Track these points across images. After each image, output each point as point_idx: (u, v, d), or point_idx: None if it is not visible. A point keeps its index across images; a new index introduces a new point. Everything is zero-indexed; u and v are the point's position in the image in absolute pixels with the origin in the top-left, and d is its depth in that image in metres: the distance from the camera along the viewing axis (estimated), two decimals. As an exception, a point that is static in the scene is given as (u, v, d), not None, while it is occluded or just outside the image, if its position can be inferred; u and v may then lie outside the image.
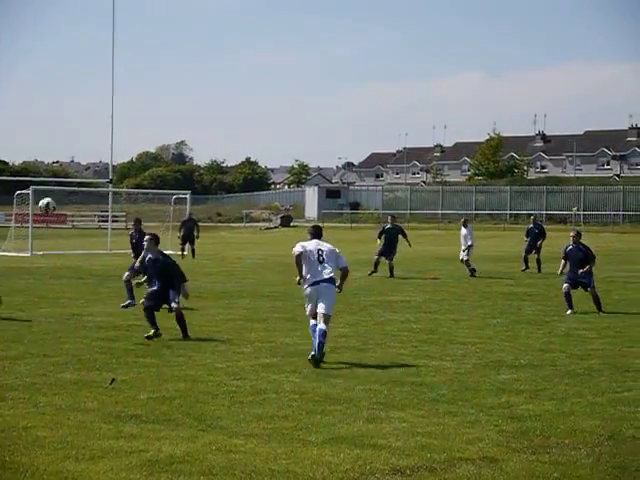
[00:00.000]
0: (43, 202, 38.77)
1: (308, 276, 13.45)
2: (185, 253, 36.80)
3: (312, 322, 13.53)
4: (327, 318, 13.44)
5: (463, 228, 31.00)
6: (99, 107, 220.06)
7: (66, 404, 10.64)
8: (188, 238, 37.34)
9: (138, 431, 9.41)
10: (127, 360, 13.55)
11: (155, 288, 15.78)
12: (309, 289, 13.47)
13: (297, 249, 13.55)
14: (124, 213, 74.44)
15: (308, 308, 13.63)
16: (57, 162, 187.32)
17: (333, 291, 13.60)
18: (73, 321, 17.99)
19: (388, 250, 29.45)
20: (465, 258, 30.19)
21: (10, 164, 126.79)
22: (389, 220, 30.77)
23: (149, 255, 16.05)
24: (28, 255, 40.19)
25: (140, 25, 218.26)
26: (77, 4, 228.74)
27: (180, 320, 15.66)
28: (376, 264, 29.34)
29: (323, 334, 13.16)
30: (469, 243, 30.39)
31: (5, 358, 13.65)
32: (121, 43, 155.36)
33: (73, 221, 79.63)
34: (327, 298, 13.44)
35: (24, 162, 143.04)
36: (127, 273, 19.70)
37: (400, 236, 29.88)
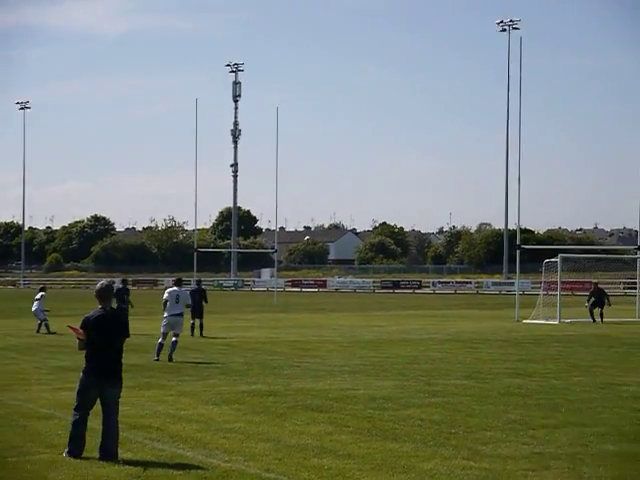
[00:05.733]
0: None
1: None
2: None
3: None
4: None
5: None
6: (623, 172, 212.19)
7: (612, 475, 10.61)
8: None
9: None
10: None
11: None
12: None
13: None
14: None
15: None
16: (580, 229, 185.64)
17: None
18: (608, 390, 17.81)
19: None
20: None
21: (535, 232, 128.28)
22: None
23: None
24: (556, 323, 40.70)
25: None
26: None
27: None
28: None
29: None
30: None
31: (544, 426, 13.66)
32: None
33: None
34: None
35: (548, 230, 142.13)
36: None
37: None
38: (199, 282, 33.77)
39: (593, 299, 41.86)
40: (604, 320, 41.00)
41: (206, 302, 32.46)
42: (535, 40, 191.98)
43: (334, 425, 13.77)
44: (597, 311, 41.53)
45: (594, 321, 40.74)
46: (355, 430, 13.40)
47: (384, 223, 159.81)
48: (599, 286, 43.60)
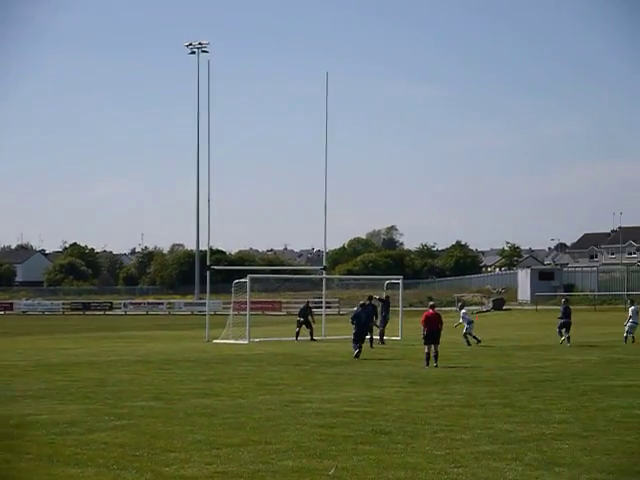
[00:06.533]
0: None
1: None
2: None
3: None
4: None
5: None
6: (311, 195, 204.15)
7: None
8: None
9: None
10: (346, 447, 13.59)
11: None
12: None
13: None
14: (337, 299, 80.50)
15: None
16: (271, 250, 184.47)
17: None
18: (292, 408, 18.06)
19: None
20: None
21: (227, 253, 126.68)
22: None
23: None
24: (246, 342, 40.74)
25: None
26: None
27: None
28: None
29: None
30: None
31: (228, 445, 13.70)
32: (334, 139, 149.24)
33: (288, 308, 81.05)
34: None
35: (240, 251, 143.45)
36: None
37: None
38: None
39: (301, 319, 42.65)
40: (299, 339, 41.77)
41: None
42: (226, 64, 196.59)
43: (13, 453, 13.29)
44: (305, 331, 42.19)
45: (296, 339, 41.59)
46: (36, 457, 13.00)
47: (74, 244, 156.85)
48: (309, 304, 44.62)
